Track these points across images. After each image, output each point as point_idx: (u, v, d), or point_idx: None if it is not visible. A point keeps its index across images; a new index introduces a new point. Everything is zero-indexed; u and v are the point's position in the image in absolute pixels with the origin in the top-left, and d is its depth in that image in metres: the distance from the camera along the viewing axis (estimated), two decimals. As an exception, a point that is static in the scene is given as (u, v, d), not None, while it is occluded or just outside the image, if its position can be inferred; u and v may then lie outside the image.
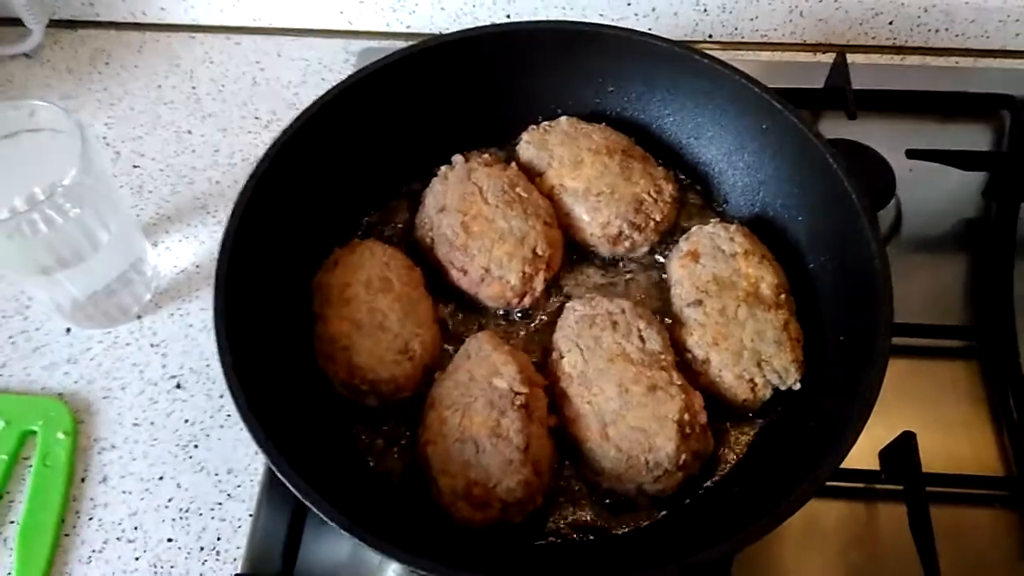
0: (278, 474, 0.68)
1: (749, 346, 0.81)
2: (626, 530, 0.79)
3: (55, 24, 1.26)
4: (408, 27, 1.24)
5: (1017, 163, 1.01)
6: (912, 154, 0.99)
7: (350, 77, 0.90)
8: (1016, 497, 0.86)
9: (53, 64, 1.23)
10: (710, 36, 1.22)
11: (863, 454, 0.86)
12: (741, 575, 0.80)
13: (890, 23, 1.18)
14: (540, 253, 0.87)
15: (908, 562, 0.79)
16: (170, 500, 0.88)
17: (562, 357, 0.82)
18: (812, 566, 0.84)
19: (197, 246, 1.06)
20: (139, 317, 1.00)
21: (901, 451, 0.84)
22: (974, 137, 1.11)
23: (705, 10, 1.18)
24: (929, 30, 1.19)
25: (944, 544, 0.79)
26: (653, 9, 1.19)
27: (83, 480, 0.89)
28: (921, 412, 0.91)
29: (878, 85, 1.11)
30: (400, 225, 0.96)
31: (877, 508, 0.86)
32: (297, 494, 0.67)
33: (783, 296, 0.85)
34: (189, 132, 1.16)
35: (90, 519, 0.87)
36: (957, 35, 1.19)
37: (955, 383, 0.94)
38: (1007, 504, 0.86)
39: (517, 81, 0.96)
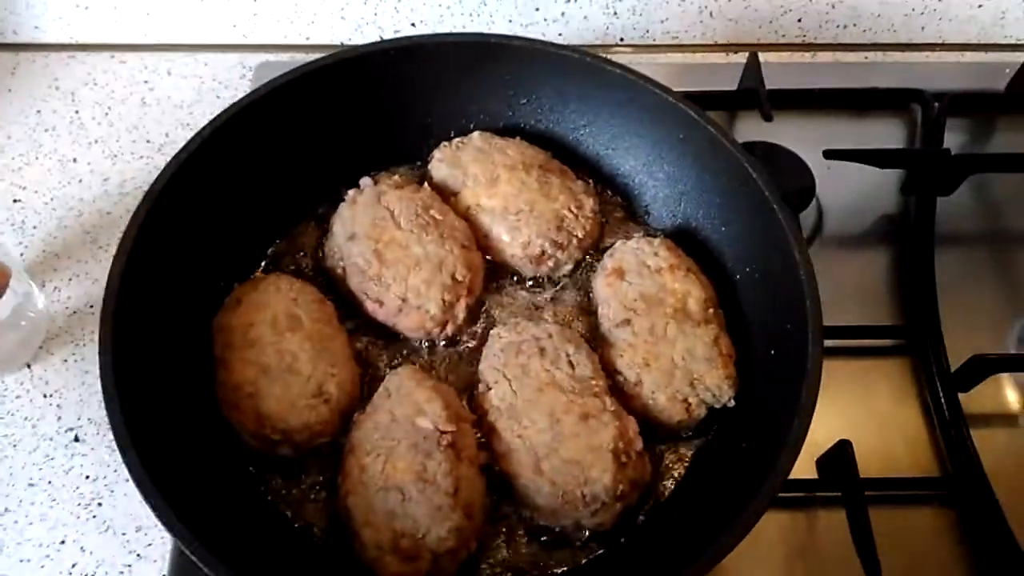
0: (185, 551, 0.62)
1: (681, 365, 0.79)
2: (565, 569, 0.76)
3: (-84, 48, 1.17)
4: (308, 39, 1.19)
5: (931, 159, 1.02)
6: (829, 154, 0.98)
7: (246, 97, 0.85)
8: (952, 496, 0.86)
9: (-83, 91, 1.14)
10: (621, 39, 1.20)
11: (801, 463, 0.83)
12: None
13: (799, 20, 1.18)
14: (459, 278, 0.83)
15: (852, 567, 0.79)
16: (74, 566, 0.83)
17: (489, 389, 0.79)
18: (759, 577, 0.83)
19: (89, 285, 0.99)
20: (28, 366, 0.93)
21: (838, 459, 0.83)
22: (887, 131, 1.12)
23: (615, 13, 1.16)
24: (838, 26, 1.20)
25: (886, 546, 0.79)
26: (562, 14, 1.16)
27: (-26, 552, 0.82)
28: (856, 414, 0.91)
29: (791, 84, 1.11)
30: (307, 254, 0.92)
31: (818, 516, 0.86)
32: (202, 567, 0.62)
33: (711, 310, 0.83)
34: (74, 160, 1.09)
35: (-15, 594, 0.81)
36: (865, 30, 1.20)
37: (887, 382, 0.94)
38: (944, 503, 0.86)
39: (425, 96, 0.93)
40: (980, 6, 1.17)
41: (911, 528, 0.85)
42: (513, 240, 0.88)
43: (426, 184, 0.91)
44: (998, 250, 1.03)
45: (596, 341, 0.85)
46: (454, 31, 1.16)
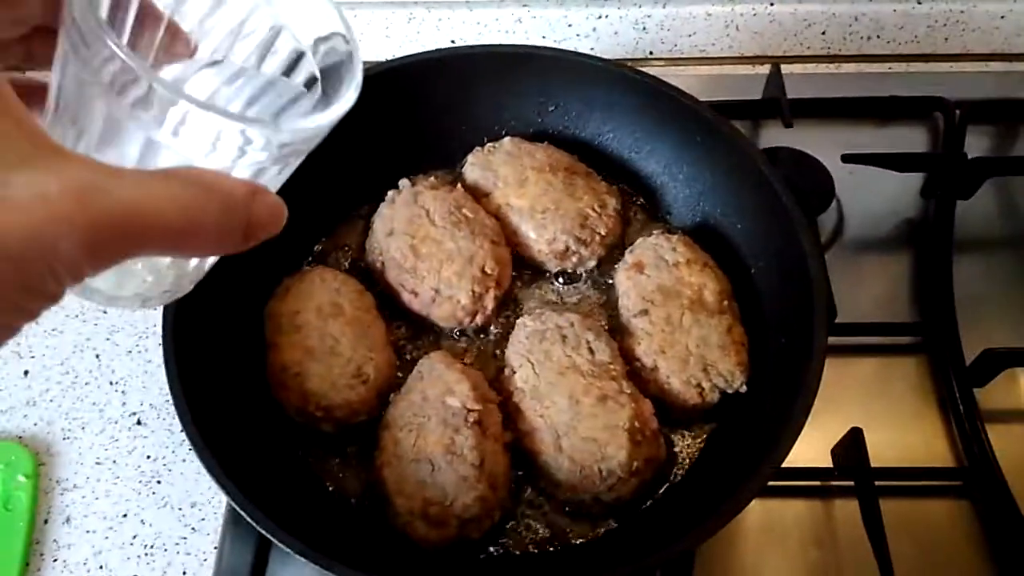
0: (235, 507, 0.68)
1: (695, 352, 0.83)
2: (584, 540, 0.81)
3: None
4: (355, 57, 1.25)
5: (950, 163, 1.04)
6: (848, 158, 1.01)
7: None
8: (966, 487, 0.88)
9: None
10: (651, 53, 1.25)
11: (817, 452, 0.89)
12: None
13: (823, 33, 1.22)
14: (489, 272, 0.88)
15: (865, 556, 0.80)
16: (134, 537, 0.89)
17: (514, 372, 0.83)
18: (772, 564, 0.86)
19: (153, 282, 1.06)
20: (97, 356, 1.00)
21: (850, 447, 0.85)
22: (910, 139, 1.14)
23: (644, 28, 1.21)
24: (861, 38, 1.22)
25: (900, 536, 0.80)
26: (594, 30, 1.22)
27: (46, 522, 0.89)
28: (872, 408, 0.93)
29: (815, 93, 1.14)
30: (350, 250, 0.97)
31: (833, 504, 0.88)
32: (255, 525, 0.68)
33: (726, 302, 0.87)
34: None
35: (54, 561, 0.87)
36: (888, 42, 1.23)
37: (904, 378, 0.96)
38: (958, 494, 0.88)
39: (460, 104, 0.98)
40: (1003, 17, 1.20)
41: (925, 519, 0.87)
42: (539, 237, 0.92)
43: (459, 186, 0.96)
44: (1017, 253, 1.05)
45: (616, 330, 0.89)
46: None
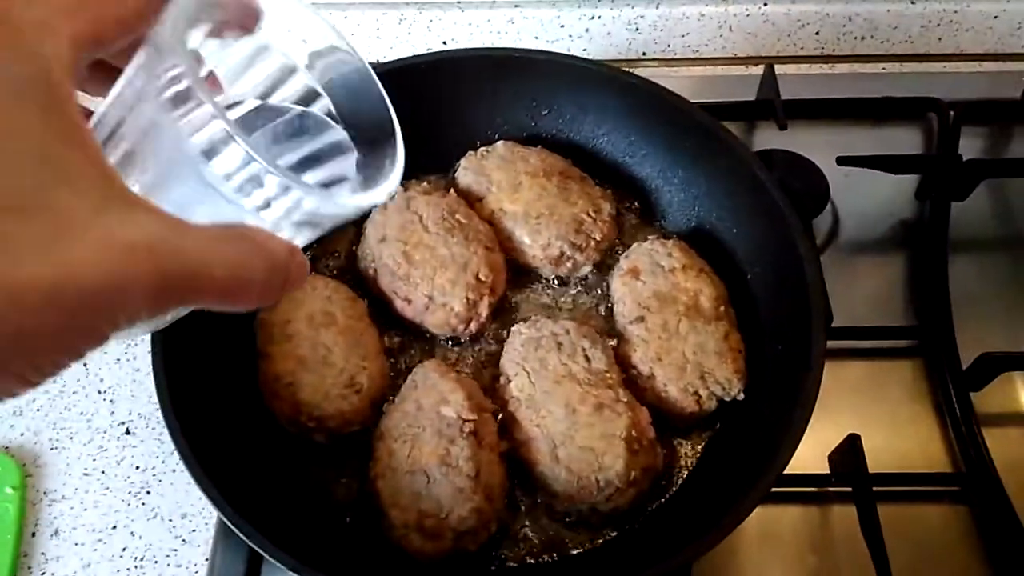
0: (227, 522, 0.68)
1: (692, 359, 0.83)
2: (582, 551, 0.80)
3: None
4: (345, 58, 1.24)
5: (944, 164, 1.04)
6: (843, 161, 1.01)
7: (286, 112, 0.90)
8: (964, 492, 0.88)
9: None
10: (644, 54, 1.24)
11: (814, 458, 0.88)
12: (701, 582, 0.81)
13: (816, 33, 1.21)
14: (483, 278, 0.87)
15: (863, 562, 0.80)
16: (124, 550, 0.87)
17: (509, 381, 0.82)
18: (771, 571, 0.85)
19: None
20: (85, 365, 0.99)
21: (847, 453, 0.85)
22: (904, 139, 1.14)
23: (637, 29, 1.20)
24: (855, 38, 1.22)
25: (898, 542, 0.80)
26: (587, 30, 1.21)
27: (33, 535, 0.88)
28: (869, 413, 0.92)
29: (810, 94, 1.13)
30: (341, 257, 0.96)
31: (830, 510, 0.88)
32: (246, 540, 0.67)
33: (722, 308, 0.86)
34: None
35: (43, 574, 0.86)
36: (882, 42, 1.22)
37: (900, 382, 0.95)
38: (955, 499, 0.88)
39: (453, 108, 0.97)
40: (996, 17, 1.19)
41: (923, 524, 0.87)
42: (534, 242, 0.91)
43: (452, 191, 0.95)
44: (1012, 255, 1.05)
45: (612, 337, 0.88)
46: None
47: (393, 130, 0.49)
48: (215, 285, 0.37)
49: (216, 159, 0.38)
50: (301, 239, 0.45)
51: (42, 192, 0.33)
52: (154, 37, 0.39)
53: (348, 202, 0.43)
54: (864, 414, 0.92)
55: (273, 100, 0.50)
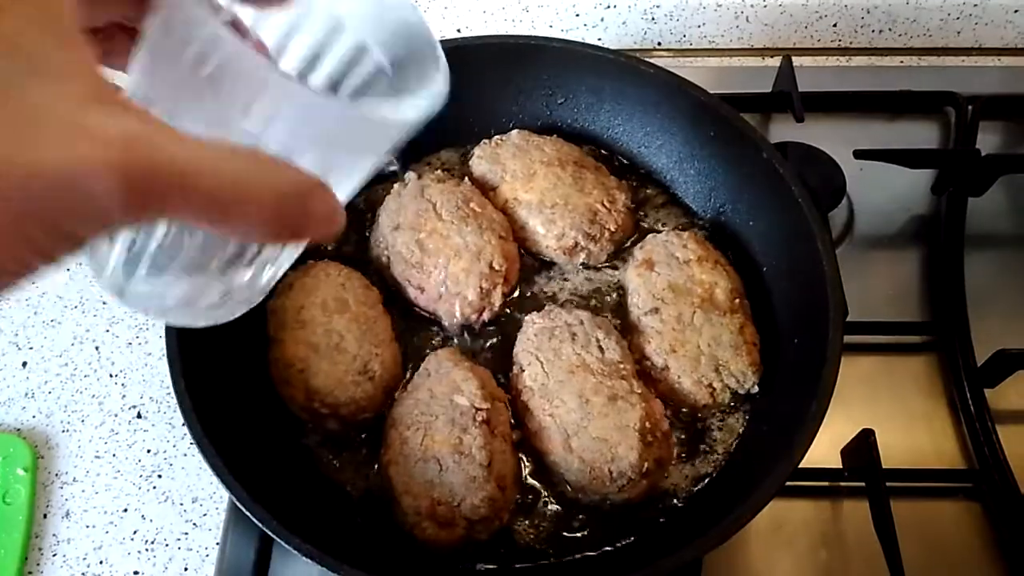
0: (240, 505, 0.67)
1: (706, 351, 0.82)
2: (595, 543, 0.79)
3: None
4: (360, 45, 1.24)
5: (961, 159, 1.03)
6: (860, 154, 1.00)
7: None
8: (977, 489, 0.87)
9: None
10: (659, 44, 1.23)
11: (827, 452, 0.88)
12: (713, 576, 0.81)
13: (834, 25, 1.20)
14: (497, 268, 0.87)
15: (875, 557, 0.80)
16: (135, 532, 0.88)
17: (523, 370, 0.82)
18: (782, 565, 0.85)
19: (153, 273, 1.04)
20: (97, 348, 0.99)
21: (861, 448, 0.85)
22: (921, 134, 1.13)
23: (653, 18, 1.20)
24: (873, 31, 1.21)
25: (910, 537, 0.80)
26: (602, 19, 1.20)
27: (45, 516, 0.88)
28: (882, 408, 0.92)
29: (826, 87, 1.13)
30: (353, 244, 0.95)
31: (842, 505, 0.88)
32: (259, 524, 0.67)
33: (738, 300, 0.86)
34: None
35: (54, 555, 0.86)
36: (900, 35, 1.21)
37: (914, 378, 0.95)
38: (969, 496, 0.88)
39: (467, 96, 0.95)
40: (1016, 11, 1.18)
41: (936, 520, 0.86)
42: (548, 232, 0.91)
43: (467, 179, 0.94)
44: (1028, 250, 1.04)
45: (626, 328, 0.88)
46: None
47: (429, 42, 0.46)
48: (201, 195, 0.34)
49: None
50: (342, 177, 0.42)
51: (15, 79, 0.32)
52: None
53: (401, 109, 0.40)
54: (877, 409, 0.91)
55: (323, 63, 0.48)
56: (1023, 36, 1.21)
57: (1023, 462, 0.86)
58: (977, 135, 1.08)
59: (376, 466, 0.80)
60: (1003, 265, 1.03)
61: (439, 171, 0.96)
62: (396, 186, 0.93)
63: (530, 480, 0.81)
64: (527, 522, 0.80)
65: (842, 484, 0.88)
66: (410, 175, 0.94)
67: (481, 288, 0.86)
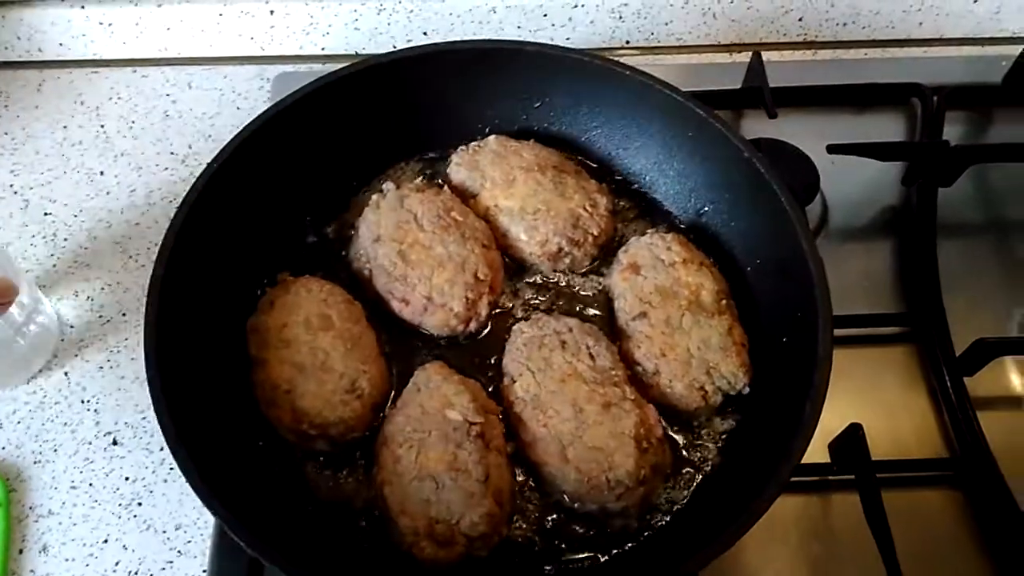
0: (228, 532, 0.66)
1: (696, 354, 0.82)
2: (595, 551, 0.79)
3: (-55, 67, 1.19)
4: (323, 49, 1.22)
5: (931, 151, 1.04)
6: (832, 149, 1.01)
7: (270, 109, 0.88)
8: (959, 476, 0.89)
9: (-53, 111, 1.17)
10: (627, 42, 1.23)
11: (814, 447, 0.86)
12: (707, 574, 0.81)
13: (800, 19, 1.21)
14: (481, 277, 0.86)
15: (866, 548, 0.81)
16: (117, 563, 0.85)
17: (514, 381, 0.81)
18: (776, 560, 0.85)
19: (121, 293, 1.01)
20: (66, 374, 0.95)
21: (850, 443, 0.85)
22: (889, 125, 1.14)
23: (620, 17, 1.19)
24: (837, 24, 1.22)
25: (898, 527, 0.81)
26: (570, 19, 1.19)
27: (21, 552, 0.85)
28: (865, 400, 0.93)
29: (793, 82, 1.13)
30: (334, 257, 0.93)
31: (832, 499, 0.88)
32: (249, 550, 0.65)
33: (724, 302, 0.86)
34: (101, 173, 1.12)
35: (32, 592, 0.83)
36: (864, 27, 1.23)
37: (894, 369, 0.96)
38: (952, 483, 0.89)
39: (441, 102, 0.95)
40: (975, 1, 1.20)
41: (921, 509, 0.88)
42: (531, 239, 0.90)
43: (446, 187, 0.93)
44: (999, 239, 1.06)
45: (614, 334, 0.87)
46: (465, 39, 1.18)
47: None
48: None
49: None
50: None
51: None
52: None
53: None
54: (859, 402, 0.92)
55: None
56: (983, 26, 1.24)
57: (1003, 447, 0.88)
58: (943, 125, 1.09)
59: (370, 485, 0.79)
60: (975, 253, 1.05)
61: (418, 180, 0.95)
62: (375, 197, 0.91)
63: (526, 492, 0.81)
64: (524, 533, 0.79)
65: (830, 478, 0.88)
66: (388, 185, 0.92)
67: (467, 299, 0.85)
